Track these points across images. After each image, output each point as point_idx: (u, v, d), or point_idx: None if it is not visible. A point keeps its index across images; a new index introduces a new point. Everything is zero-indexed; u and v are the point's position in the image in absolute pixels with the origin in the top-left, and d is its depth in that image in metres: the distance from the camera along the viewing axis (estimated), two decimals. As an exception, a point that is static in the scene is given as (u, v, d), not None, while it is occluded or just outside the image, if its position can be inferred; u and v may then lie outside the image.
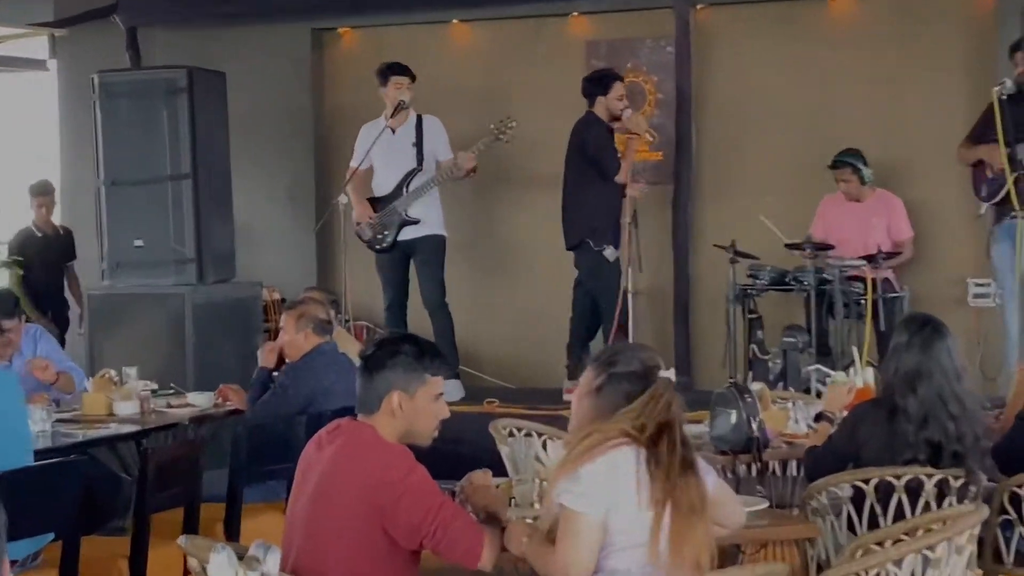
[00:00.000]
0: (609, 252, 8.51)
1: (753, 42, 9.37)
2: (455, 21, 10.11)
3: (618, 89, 8.64)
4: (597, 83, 8.69)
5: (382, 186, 9.07)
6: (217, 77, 8.99)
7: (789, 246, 8.24)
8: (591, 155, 8.58)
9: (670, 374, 3.62)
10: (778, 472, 5.57)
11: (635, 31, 9.69)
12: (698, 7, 9.31)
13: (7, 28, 10.63)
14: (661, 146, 9.25)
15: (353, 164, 9.06)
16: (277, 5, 10.20)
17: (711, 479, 3.66)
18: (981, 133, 7.90)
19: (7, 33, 10.61)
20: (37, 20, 10.73)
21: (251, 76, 9.92)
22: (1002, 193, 7.70)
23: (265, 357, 6.65)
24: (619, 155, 8.61)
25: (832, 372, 6.26)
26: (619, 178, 8.50)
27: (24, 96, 11.71)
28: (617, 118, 8.61)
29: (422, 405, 3.80)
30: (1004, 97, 7.53)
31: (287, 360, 6.45)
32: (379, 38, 10.31)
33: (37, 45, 11.09)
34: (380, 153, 9.06)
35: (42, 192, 9.73)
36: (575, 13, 9.76)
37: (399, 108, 8.96)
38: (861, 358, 7.50)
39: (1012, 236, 7.72)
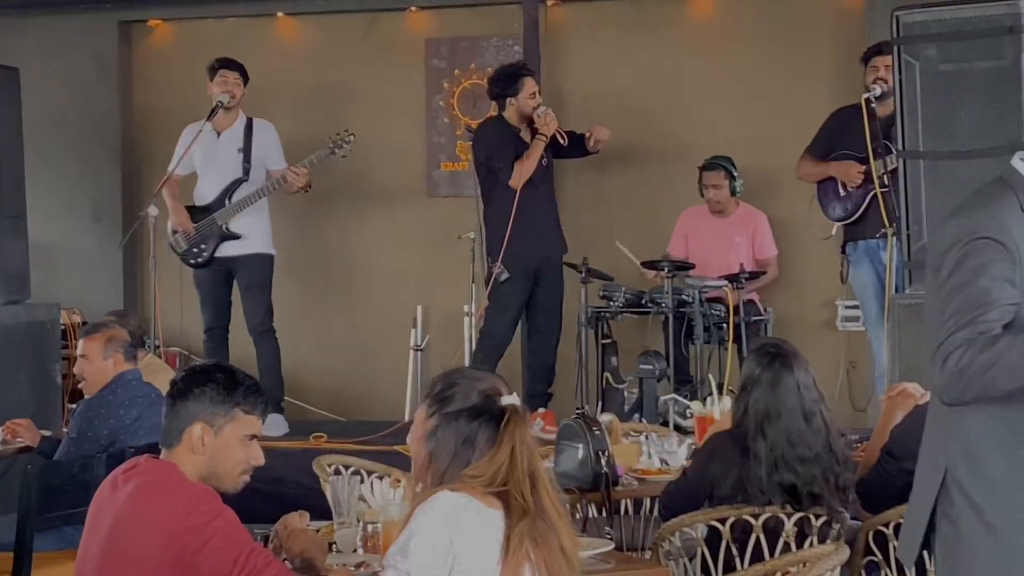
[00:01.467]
0: (498, 268, 8.42)
1: (608, 42, 9.49)
2: (280, 14, 10.12)
3: (529, 86, 8.52)
4: (505, 82, 8.53)
5: (204, 194, 8.97)
6: (9, 73, 8.77)
7: (646, 264, 8.31)
8: (481, 159, 8.56)
9: (514, 399, 3.43)
10: (630, 511, 5.62)
11: (480, 29, 9.77)
12: (548, 3, 9.42)
13: None
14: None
15: (170, 167, 8.96)
16: None
17: None
18: (826, 146, 8.06)
19: None
20: None
21: (50, 73, 9.85)
22: (861, 211, 7.86)
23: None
24: (517, 156, 8.48)
25: (690, 403, 6.32)
26: (512, 182, 8.39)
27: None
28: (530, 120, 8.51)
29: (228, 444, 3.68)
30: (873, 105, 7.69)
31: (85, 393, 6.24)
32: (196, 32, 10.32)
33: None
34: (203, 158, 8.99)
35: None
36: (413, 8, 9.83)
37: (216, 108, 8.87)
38: (723, 386, 7.66)
39: (871, 258, 7.89)
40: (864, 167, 7.74)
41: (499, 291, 8.45)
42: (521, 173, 8.38)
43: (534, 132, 8.49)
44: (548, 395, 8.67)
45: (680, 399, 7.02)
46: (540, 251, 8.58)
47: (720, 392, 6.90)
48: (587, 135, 8.55)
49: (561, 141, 8.49)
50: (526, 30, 9.24)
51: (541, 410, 8.43)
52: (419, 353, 9.49)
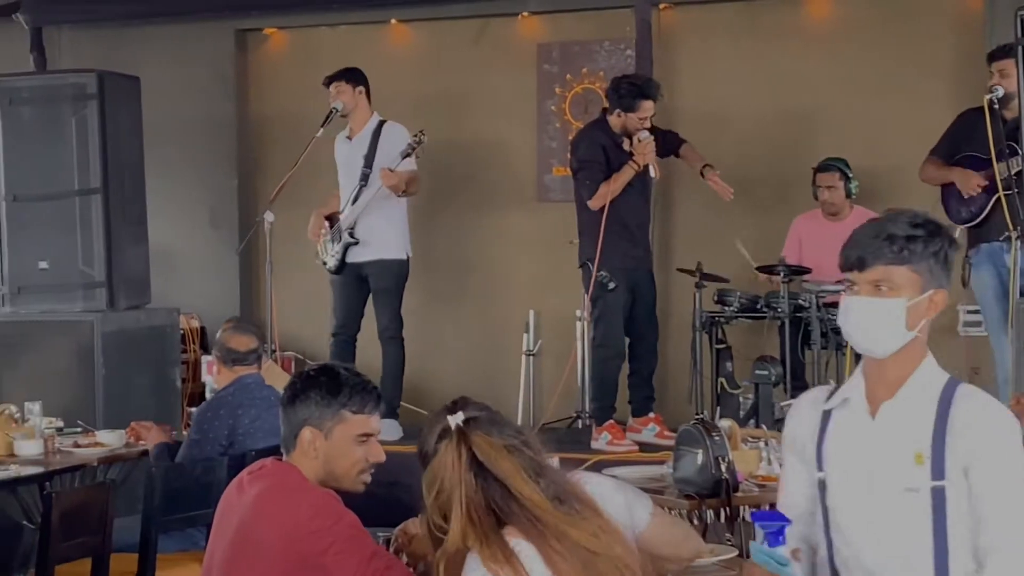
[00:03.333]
0: (604, 276, 8.30)
1: (721, 45, 9.44)
2: (394, 21, 10.14)
3: (645, 109, 8.25)
4: (625, 96, 8.27)
5: (342, 200, 9.04)
6: (130, 82, 8.87)
7: (761, 269, 8.24)
8: (573, 168, 8.48)
9: (457, 418, 3.19)
10: (749, 518, 5.56)
11: (591, 33, 9.73)
12: (661, 7, 9.39)
13: None
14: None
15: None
16: (197, 2, 10.19)
17: (628, 502, 3.42)
18: (951, 148, 7.93)
19: None
20: None
21: (168, 81, 9.90)
22: (985, 214, 7.75)
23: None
24: (606, 175, 8.30)
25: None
26: (591, 204, 8.26)
27: None
28: (629, 136, 8.32)
29: (340, 446, 3.70)
30: (996, 106, 7.56)
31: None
32: (310, 40, 10.37)
33: None
34: (340, 164, 9.10)
35: None
36: (525, 13, 9.80)
37: (329, 116, 8.98)
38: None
39: (993, 261, 7.72)
40: (986, 176, 7.65)
41: (606, 299, 8.35)
42: (605, 196, 8.23)
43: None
44: (652, 399, 8.61)
45: (798, 404, 6.91)
46: (634, 261, 8.47)
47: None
48: (701, 168, 8.46)
49: (652, 175, 8.32)
50: (639, 34, 9.20)
51: (651, 414, 8.43)
52: (531, 358, 9.48)
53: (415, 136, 8.70)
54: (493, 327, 9.73)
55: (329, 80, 8.99)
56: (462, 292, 9.98)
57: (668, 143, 8.59)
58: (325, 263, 9.01)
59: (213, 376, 6.41)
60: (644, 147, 8.24)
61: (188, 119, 10.24)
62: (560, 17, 9.76)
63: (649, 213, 8.72)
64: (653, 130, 8.38)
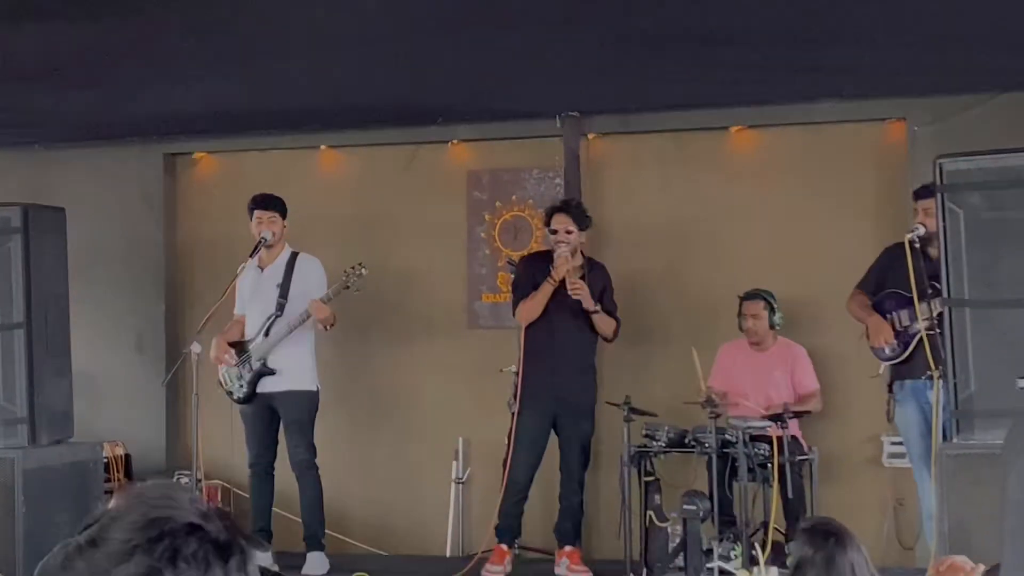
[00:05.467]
0: (511, 402, 8.51)
1: (649, 173, 9.50)
2: (323, 147, 10.17)
3: (555, 222, 8.51)
4: (545, 216, 8.67)
5: (248, 330, 9.04)
6: (56, 213, 8.75)
7: (689, 402, 8.23)
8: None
9: None
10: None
11: (521, 161, 9.77)
12: (589, 136, 9.41)
13: None
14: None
15: (236, 310, 9.13)
16: (124, 125, 10.09)
17: None
18: (877, 283, 8.03)
19: None
20: None
21: (96, 204, 9.93)
22: (908, 352, 7.80)
23: None
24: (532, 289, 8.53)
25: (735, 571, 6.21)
26: (516, 317, 8.53)
27: None
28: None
29: None
30: (916, 244, 7.63)
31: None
32: (240, 164, 10.37)
33: None
34: (249, 293, 9.08)
35: None
36: (455, 140, 9.84)
37: (259, 246, 8.94)
38: (768, 525, 7.59)
39: (917, 398, 7.84)
40: (893, 336, 7.80)
41: (515, 426, 8.43)
42: (524, 311, 8.46)
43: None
44: (577, 533, 8.57)
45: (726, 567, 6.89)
46: (554, 390, 8.50)
47: (766, 532, 6.84)
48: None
49: (568, 290, 8.37)
50: (567, 162, 9.31)
51: (568, 548, 8.41)
52: (460, 486, 9.42)
53: (354, 268, 8.72)
54: (422, 454, 9.70)
55: (258, 207, 8.97)
56: (390, 419, 9.90)
57: (594, 280, 8.61)
58: (230, 392, 8.98)
59: None
60: (558, 261, 8.38)
61: (115, 242, 10.22)
62: (490, 145, 9.82)
63: (584, 344, 8.66)
64: (591, 263, 8.56)
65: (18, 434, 8.33)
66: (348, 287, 8.74)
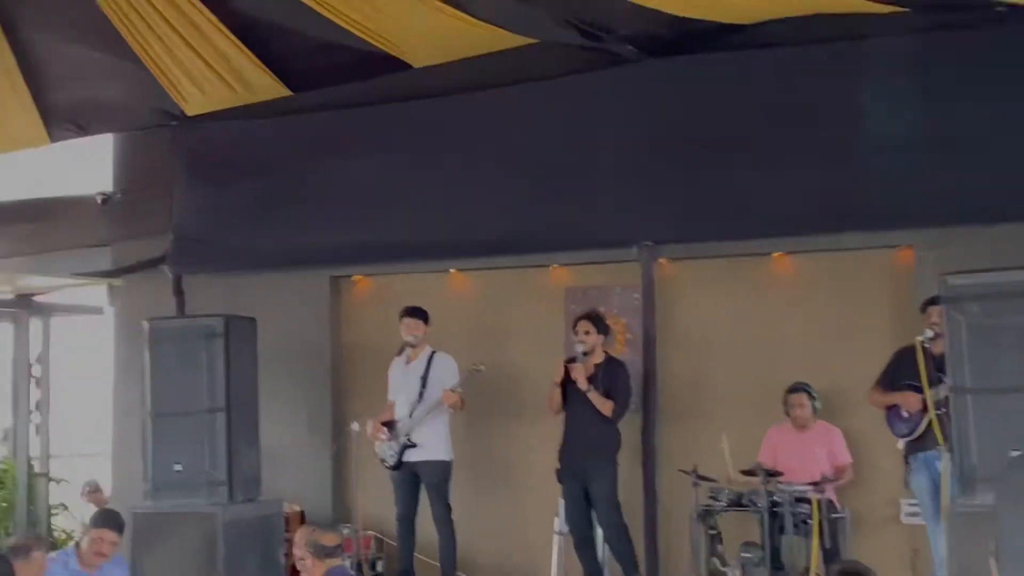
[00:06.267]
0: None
1: (708, 290, 9.38)
2: (452, 271, 10.14)
3: (578, 326, 8.64)
4: None
5: (398, 412, 9.10)
6: (249, 323, 8.97)
7: (744, 472, 8.12)
8: None
9: None
10: None
11: (607, 280, 9.65)
12: (660, 261, 9.33)
13: (69, 279, 10.66)
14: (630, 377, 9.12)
15: (389, 396, 9.19)
16: (300, 256, 10.20)
17: None
18: (892, 379, 7.91)
19: (68, 283, 10.65)
20: (96, 270, 10.82)
21: (277, 316, 9.89)
22: (920, 430, 7.70)
23: None
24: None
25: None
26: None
27: (83, 336, 11.68)
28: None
29: None
30: (927, 345, 7.59)
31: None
32: (389, 284, 10.33)
33: (95, 293, 11.13)
34: (396, 383, 9.18)
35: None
36: (555, 265, 9.79)
37: (404, 346, 9.08)
38: (810, 570, 7.47)
39: (928, 467, 7.69)
40: (921, 400, 7.63)
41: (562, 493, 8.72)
42: (548, 401, 8.74)
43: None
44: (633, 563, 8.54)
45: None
46: (578, 459, 8.57)
47: None
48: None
49: (573, 377, 8.58)
50: (643, 281, 9.22)
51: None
52: (561, 537, 9.32)
53: (475, 366, 8.86)
54: (530, 511, 9.55)
55: (406, 316, 9.10)
56: (506, 482, 9.80)
57: (608, 372, 8.68)
58: (384, 460, 9.02)
59: (307, 569, 6.33)
60: (577, 366, 8.58)
61: (293, 345, 10.18)
62: (583, 268, 9.73)
63: (595, 423, 8.60)
64: (610, 360, 8.69)
65: (220, 494, 8.46)
66: (470, 379, 8.84)
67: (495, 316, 9.94)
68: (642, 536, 8.85)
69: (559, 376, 8.62)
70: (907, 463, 7.88)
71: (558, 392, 8.64)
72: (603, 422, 8.55)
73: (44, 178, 11.52)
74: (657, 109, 8.89)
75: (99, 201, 11.17)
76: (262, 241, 10.19)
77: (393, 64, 9.39)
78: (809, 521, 7.79)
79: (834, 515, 7.98)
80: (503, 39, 8.89)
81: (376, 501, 9.53)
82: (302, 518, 9.64)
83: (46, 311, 10.62)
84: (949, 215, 8.10)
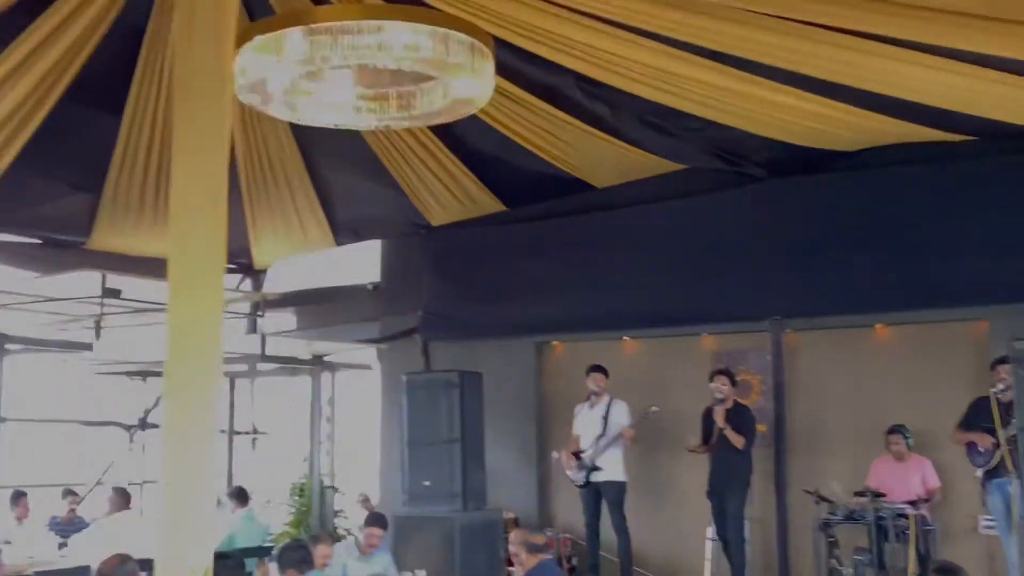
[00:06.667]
0: None
1: (824, 353, 9.29)
2: (626, 338, 10.20)
3: (716, 380, 8.67)
4: None
5: (583, 444, 9.16)
6: (477, 377, 9.20)
7: (857, 493, 8.04)
8: None
9: None
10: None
11: (744, 345, 9.64)
12: (786, 331, 9.30)
13: (349, 344, 11.00)
14: (764, 420, 9.10)
15: (573, 432, 9.21)
16: (513, 328, 10.34)
17: None
18: (970, 422, 7.77)
19: (349, 347, 10.99)
20: (368, 337, 11.18)
21: (497, 372, 10.03)
22: (994, 462, 7.55)
23: None
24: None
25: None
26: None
27: (360, 385, 12.02)
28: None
29: None
30: (999, 396, 7.46)
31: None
32: (577, 348, 10.42)
33: (368, 354, 11.45)
34: (582, 422, 9.21)
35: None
36: (705, 334, 9.83)
37: (590, 394, 9.16)
38: (907, 572, 7.33)
39: (1001, 491, 7.52)
40: (993, 438, 7.50)
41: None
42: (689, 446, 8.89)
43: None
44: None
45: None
46: (719, 482, 8.63)
47: None
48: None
49: (714, 418, 8.67)
50: (773, 347, 9.18)
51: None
52: (713, 542, 9.28)
53: (651, 409, 8.94)
54: (689, 520, 9.49)
55: (592, 371, 9.20)
56: (671, 497, 9.77)
57: (735, 415, 8.70)
58: (574, 481, 9.08)
59: (521, 562, 6.45)
60: (716, 412, 8.64)
61: (508, 393, 10.28)
62: (726, 336, 9.73)
63: (717, 455, 8.68)
64: (737, 405, 8.72)
65: (456, 503, 8.63)
66: (644, 420, 8.89)
67: (657, 372, 9.95)
68: (775, 543, 8.78)
69: (695, 445, 8.72)
70: (984, 487, 7.72)
71: (695, 443, 8.78)
72: (737, 453, 8.56)
73: (330, 271, 11.85)
74: (781, 216, 8.91)
75: (369, 288, 11.51)
76: (486, 316, 10.38)
77: (582, 185, 9.61)
78: (907, 532, 7.67)
79: (926, 527, 7.84)
80: (664, 165, 9.02)
81: (570, 511, 9.61)
82: (516, 523, 9.75)
83: (333, 368, 11.01)
84: (1016, 295, 7.94)
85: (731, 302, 9.12)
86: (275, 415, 12.46)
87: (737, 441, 8.51)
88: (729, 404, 8.67)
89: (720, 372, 8.77)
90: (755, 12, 5.80)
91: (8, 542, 8.15)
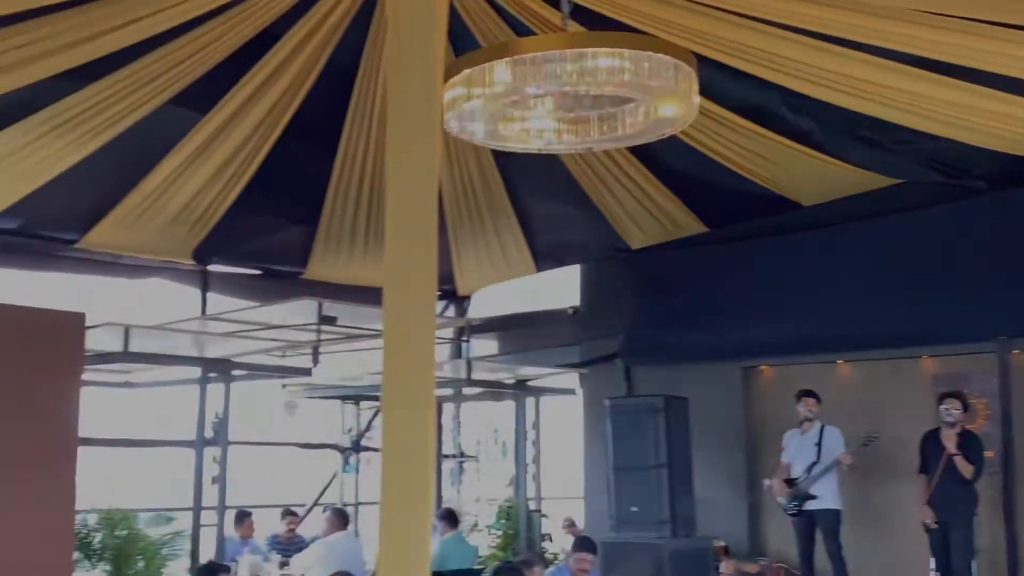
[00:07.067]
0: None
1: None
2: (840, 361, 9.94)
3: (947, 402, 8.32)
4: None
5: (794, 471, 8.96)
6: (682, 401, 9.09)
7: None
8: None
9: None
10: None
11: (969, 367, 9.20)
12: (1013, 352, 8.82)
13: (551, 369, 11.13)
14: (991, 446, 8.63)
15: (782, 459, 9.01)
16: (718, 351, 10.20)
17: None
18: None
19: (551, 372, 11.13)
20: (569, 362, 11.28)
21: (703, 397, 9.86)
22: None
23: None
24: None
25: None
26: None
27: (563, 410, 12.13)
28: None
29: None
30: None
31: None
32: (788, 372, 10.20)
33: (570, 379, 11.54)
34: (792, 449, 9.02)
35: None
36: (924, 356, 9.45)
37: (802, 420, 8.97)
38: None
39: None
40: None
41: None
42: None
43: None
44: None
45: None
46: (943, 513, 8.29)
47: None
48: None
49: (943, 443, 8.31)
50: (1000, 368, 8.78)
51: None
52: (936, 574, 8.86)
53: (871, 435, 8.72)
54: (908, 550, 9.07)
55: (803, 395, 9.01)
56: (886, 527, 9.41)
57: (964, 442, 8.31)
58: (786, 509, 8.88)
59: None
60: (945, 434, 8.31)
61: (716, 418, 10.12)
62: (947, 358, 9.32)
63: (941, 483, 8.31)
64: (967, 432, 8.33)
65: (664, 530, 8.54)
66: (865, 446, 8.63)
67: (873, 397, 9.62)
68: (1005, 571, 8.33)
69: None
70: None
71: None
72: (964, 483, 8.17)
73: (530, 296, 12.07)
74: (1005, 230, 8.51)
75: (570, 312, 11.63)
76: (690, 340, 10.28)
77: (788, 204, 9.40)
78: None
79: None
80: (874, 180, 8.74)
81: (782, 540, 9.41)
82: (726, 551, 9.63)
83: (537, 392, 11.18)
84: None
85: (954, 322, 8.72)
86: (480, 439, 12.73)
87: (967, 470, 8.12)
88: (959, 429, 8.27)
89: (951, 395, 8.38)
90: (976, 21, 5.55)
91: (235, 560, 8.62)
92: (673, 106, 4.75)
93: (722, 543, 9.60)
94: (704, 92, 4.80)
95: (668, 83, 4.50)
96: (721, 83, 6.94)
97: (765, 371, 10.49)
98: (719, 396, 10.30)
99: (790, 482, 8.92)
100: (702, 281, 10.32)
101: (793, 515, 8.89)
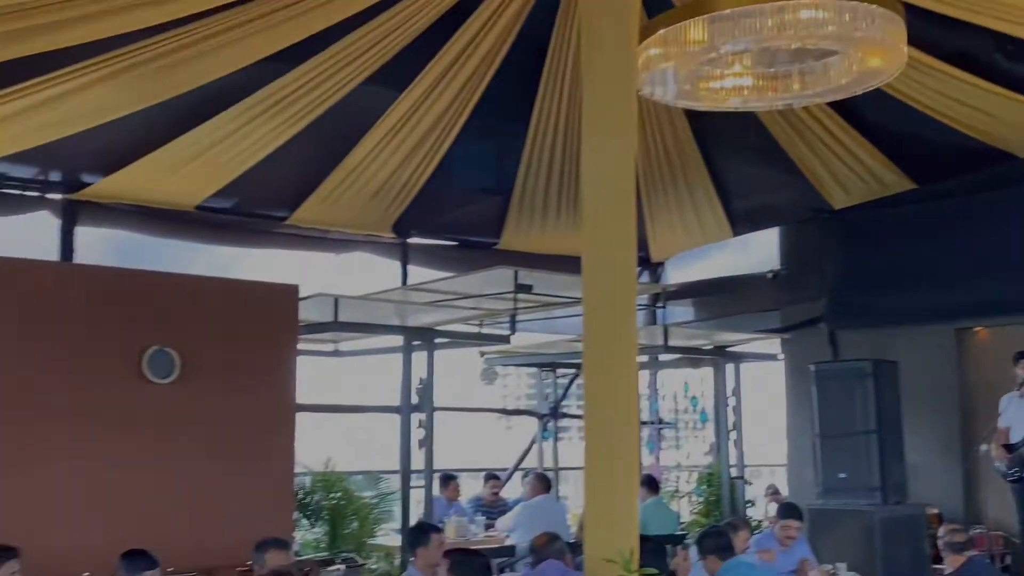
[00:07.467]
0: None
1: None
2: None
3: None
4: None
5: (1015, 435, 8.54)
6: (891, 365, 8.87)
7: None
8: None
9: None
10: None
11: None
12: None
13: (751, 335, 10.97)
14: None
15: (999, 424, 8.60)
16: (929, 313, 9.74)
17: None
18: None
19: (751, 337, 10.96)
20: (770, 327, 11.09)
21: (914, 361, 9.55)
22: None
23: None
24: None
25: None
26: None
27: (764, 376, 11.97)
28: None
29: None
30: None
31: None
32: (1004, 333, 9.71)
33: (771, 344, 11.35)
34: (1012, 413, 8.61)
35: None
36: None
37: (1021, 384, 8.56)
38: None
39: None
40: None
41: None
42: None
43: None
44: None
45: None
46: None
47: None
48: None
49: None
50: None
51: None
52: None
53: None
54: None
55: (1019, 356, 8.58)
56: None
57: None
58: (1005, 476, 8.50)
59: (947, 560, 6.21)
60: None
61: (926, 384, 9.67)
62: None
63: None
64: None
65: (875, 497, 8.39)
66: None
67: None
68: None
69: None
70: None
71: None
72: None
73: (728, 260, 11.88)
74: None
75: (769, 276, 11.40)
76: (898, 302, 9.89)
77: (1004, 156, 8.86)
78: None
79: None
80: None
81: (1000, 508, 9.03)
82: (939, 519, 9.31)
83: (736, 358, 11.07)
84: None
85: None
86: (678, 406, 12.68)
87: None
88: None
89: None
90: None
91: (442, 521, 8.94)
92: (879, 57, 4.58)
93: (935, 510, 9.30)
94: (910, 41, 4.60)
95: (874, 33, 4.35)
96: (926, 31, 6.64)
97: (980, 332, 10.04)
98: (930, 359, 9.93)
99: (1009, 447, 8.52)
100: (910, 240, 9.91)
101: (1013, 481, 8.50)
